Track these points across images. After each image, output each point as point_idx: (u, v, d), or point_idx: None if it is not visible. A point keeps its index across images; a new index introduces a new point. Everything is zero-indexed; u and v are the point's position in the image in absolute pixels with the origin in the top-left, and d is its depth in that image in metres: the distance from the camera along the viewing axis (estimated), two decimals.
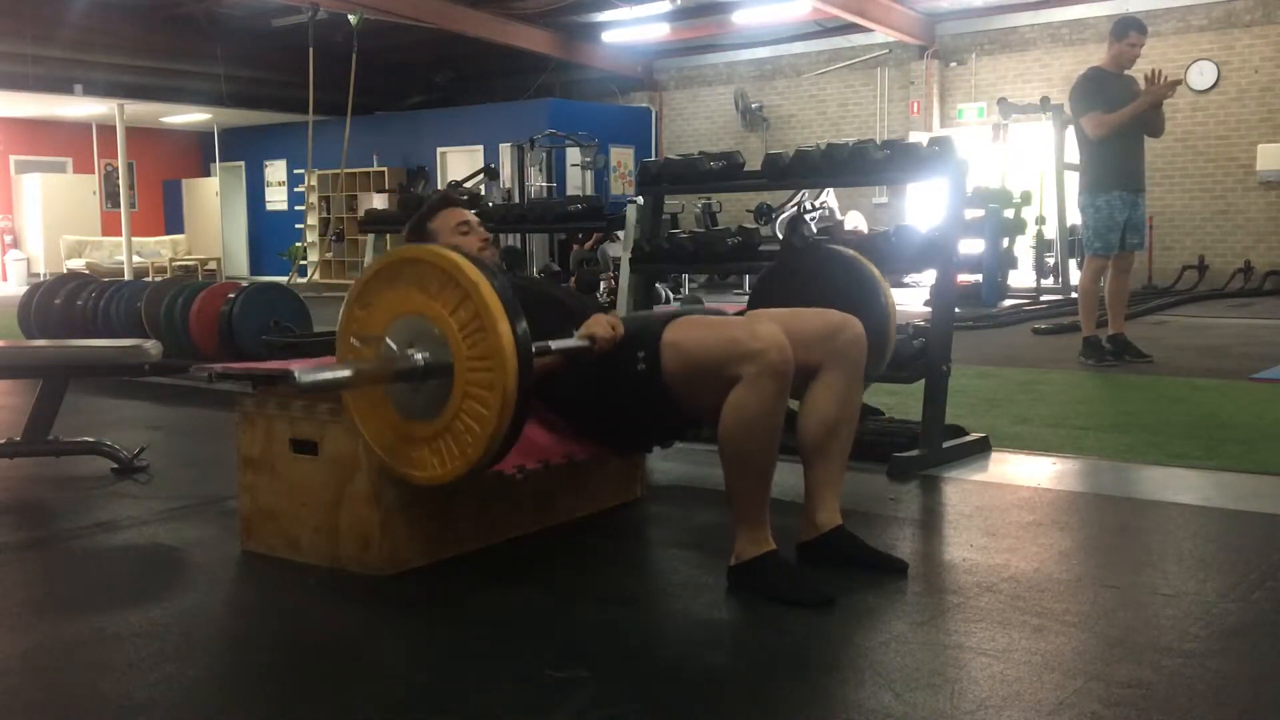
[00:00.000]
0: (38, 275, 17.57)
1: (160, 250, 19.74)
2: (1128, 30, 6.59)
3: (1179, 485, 3.54)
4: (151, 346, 3.78)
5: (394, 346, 2.27)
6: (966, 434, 3.98)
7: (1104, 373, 6.20)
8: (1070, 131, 13.73)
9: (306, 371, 2.19)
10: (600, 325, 2.53)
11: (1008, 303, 10.70)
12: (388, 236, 6.31)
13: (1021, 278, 12.84)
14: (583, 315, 2.65)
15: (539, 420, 2.71)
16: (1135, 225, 6.52)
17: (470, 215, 3.00)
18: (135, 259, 17.92)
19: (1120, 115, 6.34)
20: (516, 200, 13.45)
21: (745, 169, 4.57)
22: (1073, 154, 13.69)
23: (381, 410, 2.31)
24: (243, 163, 21.56)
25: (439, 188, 16.12)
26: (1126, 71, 6.61)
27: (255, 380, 2.85)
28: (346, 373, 2.24)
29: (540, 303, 2.69)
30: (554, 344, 2.48)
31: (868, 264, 3.18)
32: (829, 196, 14.03)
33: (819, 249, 3.71)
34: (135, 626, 2.31)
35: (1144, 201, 6.60)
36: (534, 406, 2.70)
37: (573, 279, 11.24)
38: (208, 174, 21.85)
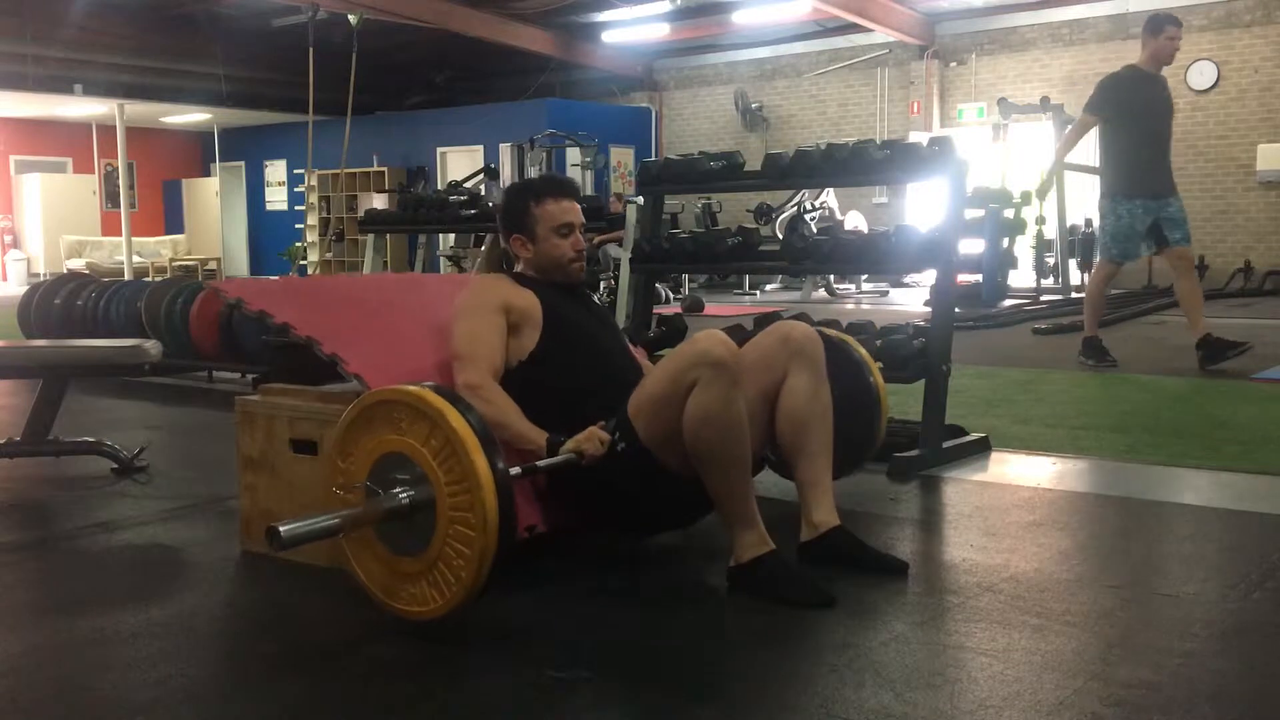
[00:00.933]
0: (38, 275, 17.58)
1: (160, 250, 19.75)
2: (1164, 25, 6.48)
3: (1179, 485, 3.54)
4: (151, 346, 3.77)
5: (377, 489, 2.26)
6: (966, 434, 3.98)
7: (1103, 373, 6.18)
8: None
9: (292, 524, 2.17)
10: (589, 442, 2.50)
11: (1008, 303, 10.70)
12: (388, 236, 6.31)
13: (1021, 278, 12.83)
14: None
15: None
16: (1174, 221, 6.33)
17: (579, 215, 2.89)
18: (135, 259, 17.92)
19: (1057, 156, 6.99)
20: None
21: (745, 169, 4.57)
22: (1073, 154, 13.69)
23: (373, 550, 2.31)
24: (243, 163, 21.56)
25: (439, 188, 16.12)
26: (1164, 70, 6.48)
27: (255, 381, 2.84)
28: (333, 521, 2.23)
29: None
30: (541, 463, 2.49)
31: (855, 345, 3.18)
32: (829, 196, 14.03)
33: None
34: (135, 626, 2.31)
35: (1177, 198, 6.40)
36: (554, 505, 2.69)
37: None
38: (208, 174, 21.85)
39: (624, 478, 2.52)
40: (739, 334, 3.14)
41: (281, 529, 2.12)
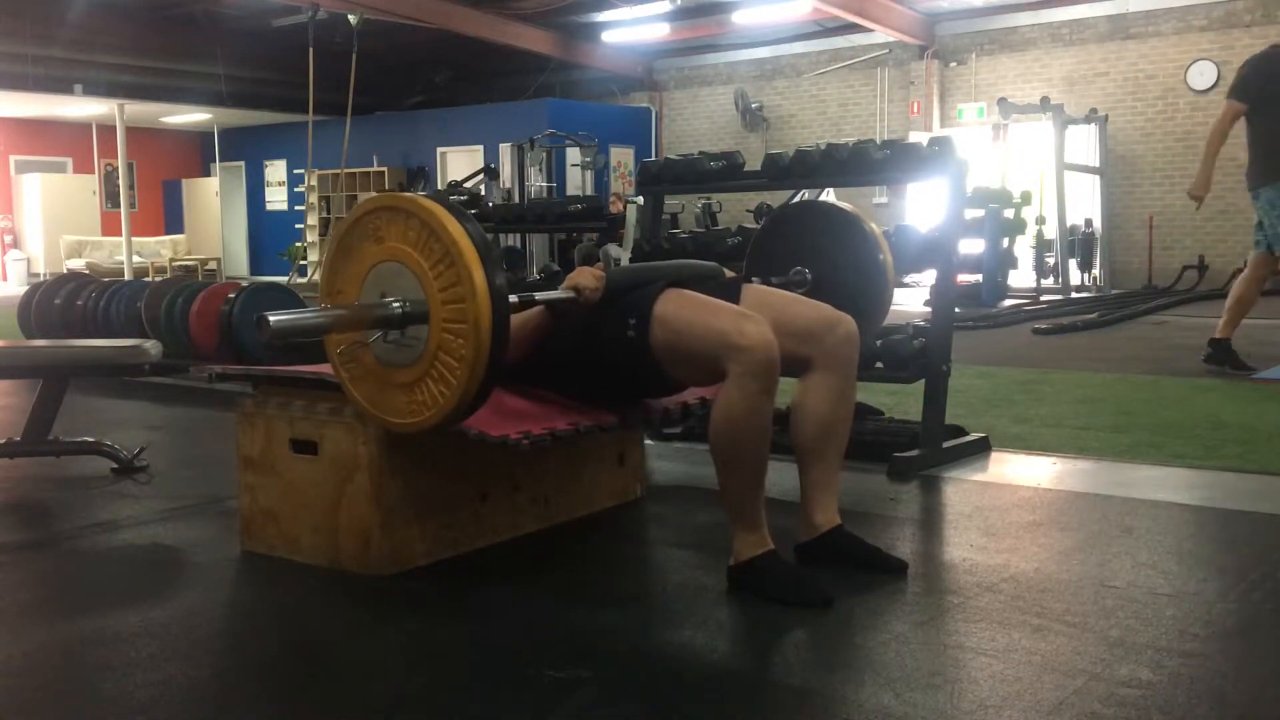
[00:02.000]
0: (38, 275, 17.59)
1: (160, 250, 19.75)
2: None
3: (1179, 485, 3.54)
4: (151, 346, 3.77)
5: (372, 293, 2.26)
6: (966, 434, 3.98)
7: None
8: (1069, 131, 13.81)
9: (282, 314, 2.17)
10: (585, 276, 2.53)
11: (1008, 303, 10.70)
12: None
13: (1021, 278, 12.84)
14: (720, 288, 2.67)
15: (538, 398, 2.71)
16: None
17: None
18: (135, 259, 17.93)
19: (1208, 150, 6.21)
20: (516, 200, 13.46)
21: (745, 169, 4.57)
22: (1073, 154, 13.61)
23: (364, 362, 2.30)
24: (243, 163, 21.58)
25: (439, 187, 16.13)
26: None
27: (255, 381, 2.84)
28: (323, 318, 2.23)
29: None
30: (539, 295, 2.49)
31: (867, 221, 3.19)
32: (829, 196, 14.04)
33: (817, 205, 3.70)
34: (135, 626, 2.31)
35: None
36: (529, 381, 2.71)
37: None
38: (208, 174, 21.86)
39: (621, 358, 2.55)
40: (798, 276, 3.13)
41: (271, 318, 2.13)
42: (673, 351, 2.50)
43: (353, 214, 2.36)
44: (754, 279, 2.97)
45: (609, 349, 2.56)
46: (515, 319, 2.43)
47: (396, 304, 2.22)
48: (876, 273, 3.12)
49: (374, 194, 2.40)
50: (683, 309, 2.51)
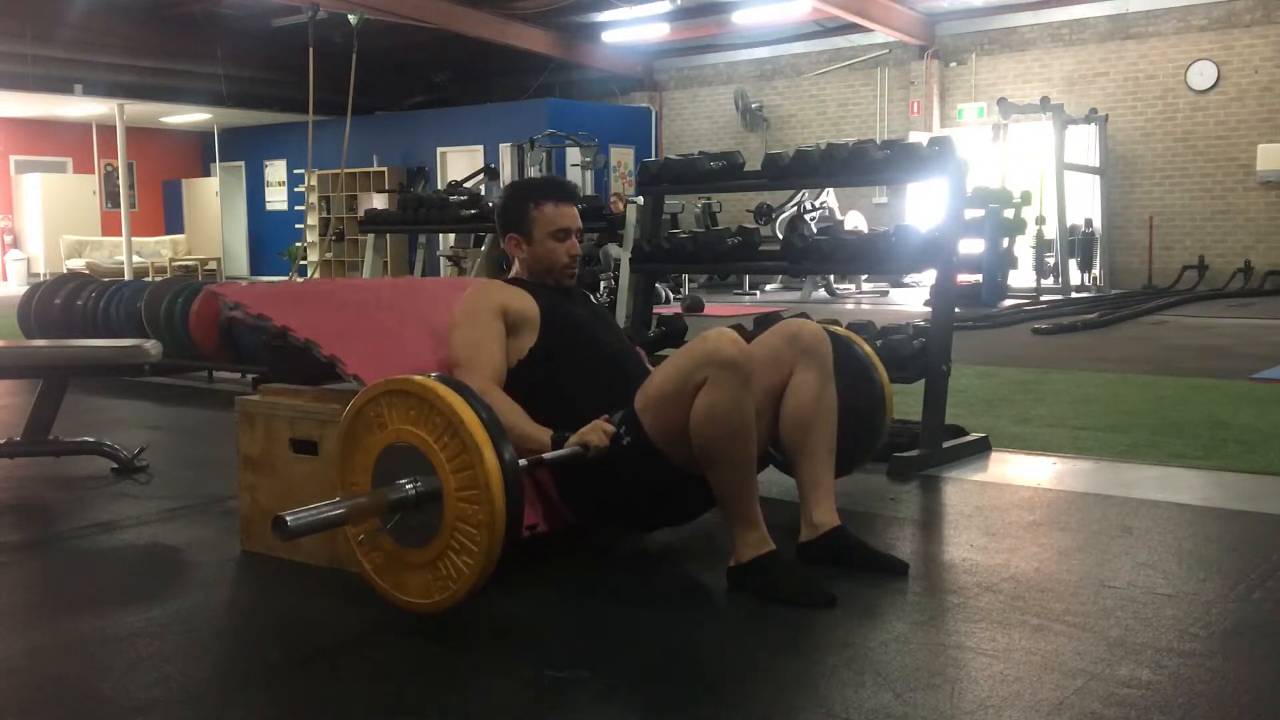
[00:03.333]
0: (38, 275, 17.59)
1: (160, 250, 19.75)
2: None
3: (1179, 485, 3.54)
4: (151, 346, 3.77)
5: (388, 472, 2.26)
6: (966, 434, 3.98)
7: (1107, 372, 6.14)
8: (1069, 131, 13.82)
9: (297, 513, 2.17)
10: (594, 434, 2.50)
11: (1008, 303, 10.71)
12: (388, 236, 6.31)
13: (1021, 278, 12.84)
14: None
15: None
16: None
17: (576, 221, 2.88)
18: (135, 259, 17.93)
19: None
20: None
21: (745, 169, 4.57)
22: (1073, 154, 13.61)
23: (378, 542, 2.30)
24: (243, 163, 21.57)
25: (439, 187, 16.13)
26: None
27: (255, 381, 2.84)
28: (339, 511, 2.22)
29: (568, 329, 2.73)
30: (547, 456, 2.49)
31: (861, 343, 3.18)
32: (829, 196, 14.04)
33: None
34: (135, 626, 2.31)
35: None
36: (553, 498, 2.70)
37: None
38: (208, 174, 21.86)
39: (628, 473, 2.52)
40: (741, 334, 3.14)
41: (288, 518, 2.12)
42: (663, 422, 2.47)
43: (354, 404, 2.35)
44: None
45: (617, 469, 2.52)
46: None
47: (409, 484, 2.23)
48: (875, 393, 3.11)
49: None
50: (653, 377, 2.55)
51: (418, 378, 2.24)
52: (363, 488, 2.30)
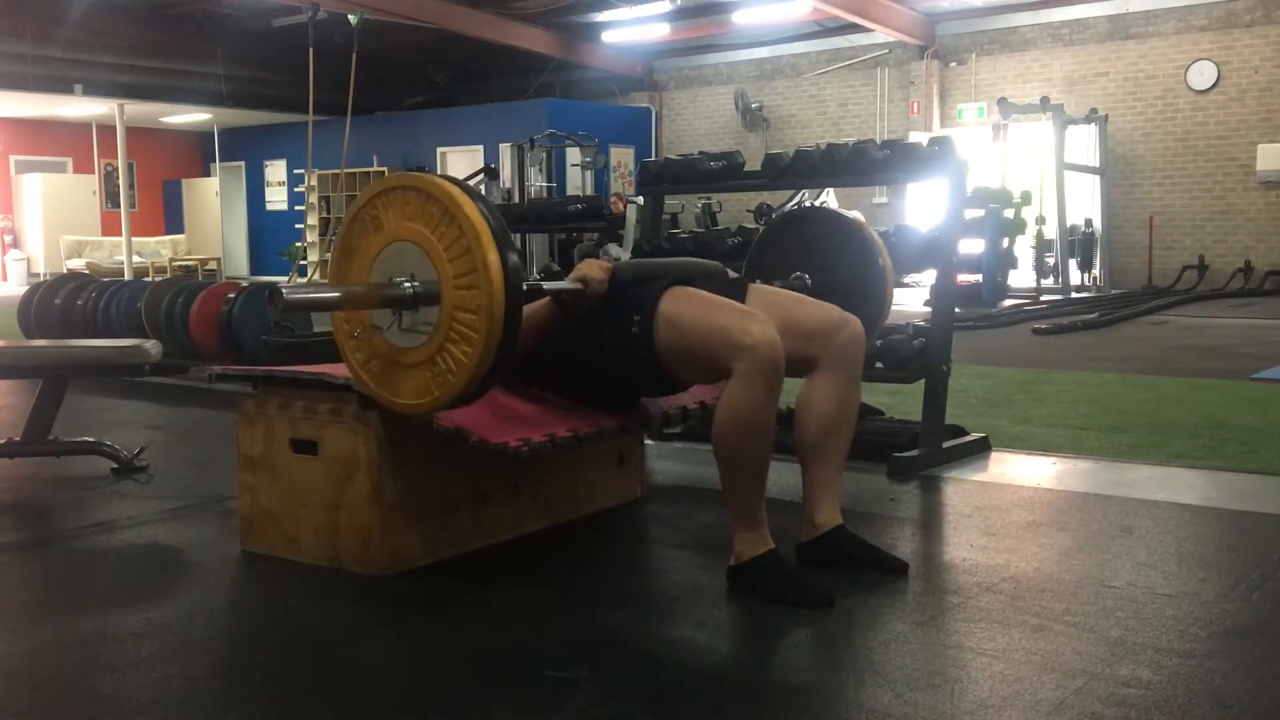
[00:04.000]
0: (38, 275, 17.58)
1: (160, 250, 19.75)
2: None
3: (1179, 485, 3.54)
4: (151, 346, 3.77)
5: (384, 272, 2.25)
6: (966, 434, 3.98)
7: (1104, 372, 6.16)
8: (1069, 131, 13.82)
9: (294, 289, 2.18)
10: (592, 268, 2.53)
11: (1008, 303, 10.71)
12: None
13: (1021, 278, 12.84)
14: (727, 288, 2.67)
15: (538, 400, 2.71)
16: None
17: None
18: (135, 259, 17.92)
19: None
20: (516, 200, 13.46)
21: (745, 169, 4.57)
22: (1073, 154, 13.60)
23: (373, 343, 2.30)
24: (243, 163, 21.57)
25: None
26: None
27: (255, 381, 2.84)
28: (334, 294, 2.22)
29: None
30: (546, 284, 2.49)
31: (865, 226, 3.20)
32: (829, 196, 14.04)
33: (817, 212, 3.71)
34: (135, 626, 2.31)
35: None
36: (529, 384, 2.71)
37: None
38: (208, 174, 21.86)
39: (623, 355, 2.54)
40: (798, 281, 3.14)
41: (285, 290, 2.13)
42: (676, 349, 2.49)
43: (350, 210, 2.36)
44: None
45: (612, 346, 2.55)
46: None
47: (408, 283, 2.22)
48: (876, 277, 3.12)
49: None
50: (688, 307, 2.50)
51: (428, 176, 2.24)
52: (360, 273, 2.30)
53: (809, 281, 3.13)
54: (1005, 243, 4.03)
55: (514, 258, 2.16)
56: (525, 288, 2.34)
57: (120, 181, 17.90)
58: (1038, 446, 4.10)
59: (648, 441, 3.75)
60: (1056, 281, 13.34)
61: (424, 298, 2.21)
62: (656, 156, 14.16)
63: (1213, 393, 5.43)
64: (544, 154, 15.27)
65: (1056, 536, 2.93)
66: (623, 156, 17.80)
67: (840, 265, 3.14)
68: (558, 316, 2.62)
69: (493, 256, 2.11)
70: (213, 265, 19.78)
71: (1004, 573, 2.58)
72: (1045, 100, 13.76)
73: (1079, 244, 13.81)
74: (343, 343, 2.38)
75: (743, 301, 2.62)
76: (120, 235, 17.92)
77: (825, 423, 2.64)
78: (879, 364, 3.77)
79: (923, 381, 3.77)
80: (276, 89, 18.56)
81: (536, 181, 15.24)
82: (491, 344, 2.11)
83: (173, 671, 2.08)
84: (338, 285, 2.25)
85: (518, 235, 12.29)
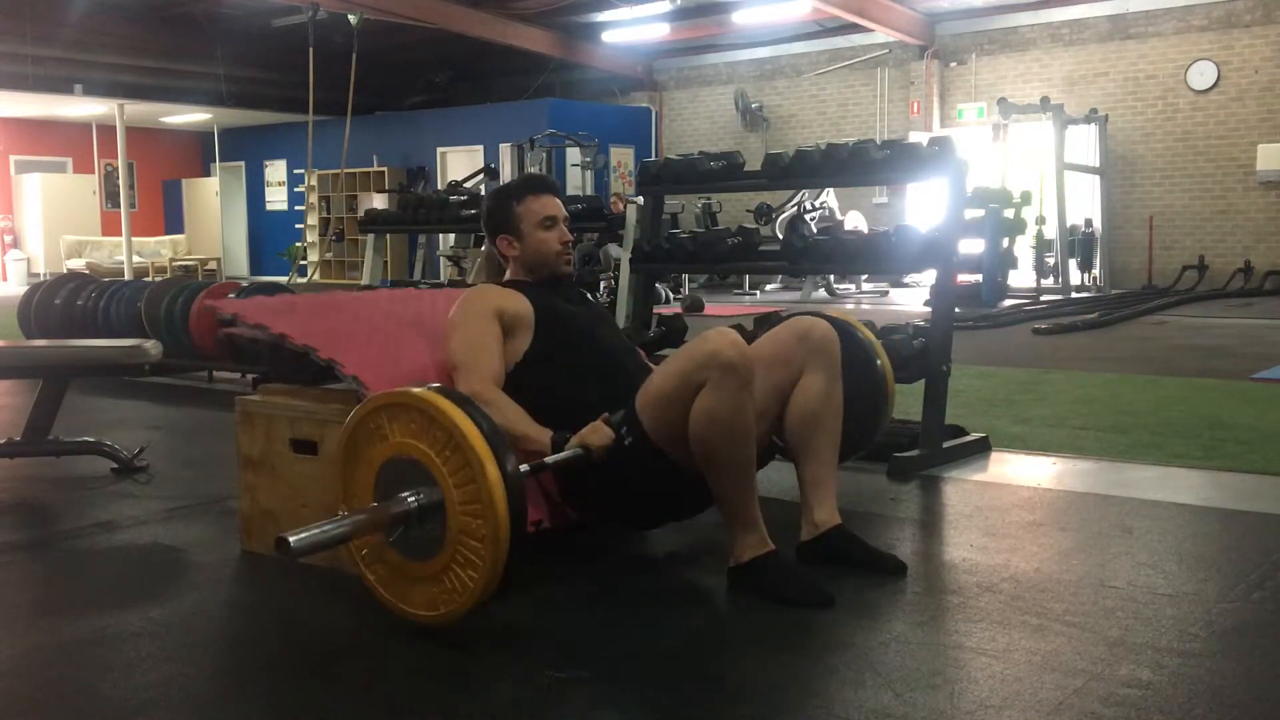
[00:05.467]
0: (38, 275, 17.58)
1: (160, 250, 19.75)
2: None
3: (1179, 485, 3.54)
4: (151, 346, 3.77)
5: (390, 485, 2.25)
6: (966, 434, 3.98)
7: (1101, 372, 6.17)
8: (1069, 131, 13.82)
9: (300, 533, 2.16)
10: (595, 435, 2.50)
11: (1008, 303, 10.70)
12: (388, 236, 6.31)
13: (1021, 278, 12.84)
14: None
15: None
16: None
17: (560, 209, 2.90)
18: (135, 259, 17.92)
19: None
20: None
21: (745, 169, 4.57)
22: (1073, 154, 13.60)
23: (383, 555, 2.29)
24: (243, 163, 21.57)
25: (439, 188, 16.13)
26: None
27: (255, 381, 2.84)
28: (342, 529, 2.21)
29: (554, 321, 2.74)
30: (549, 459, 2.48)
31: (861, 328, 3.18)
32: (829, 196, 14.04)
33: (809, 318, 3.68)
34: (135, 626, 2.31)
35: None
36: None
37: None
38: (208, 174, 21.85)
39: (631, 472, 2.51)
40: (741, 334, 3.14)
41: (291, 539, 2.11)
42: (665, 421, 2.46)
43: (354, 416, 2.34)
44: None
45: (617, 469, 2.52)
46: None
47: (411, 497, 2.22)
48: (874, 379, 3.10)
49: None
50: (654, 377, 2.54)
51: (417, 390, 2.23)
52: (365, 500, 2.29)
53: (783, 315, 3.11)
54: (1005, 243, 4.02)
55: (518, 484, 2.15)
56: (528, 467, 2.35)
57: (120, 181, 17.90)
58: (1038, 446, 4.10)
59: None
60: (1056, 281, 13.33)
61: (429, 513, 2.21)
62: (656, 156, 14.16)
63: (1213, 393, 5.43)
64: (544, 154, 15.26)
65: (1056, 536, 2.93)
66: (623, 156, 17.80)
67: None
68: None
69: (498, 488, 2.11)
70: (213, 265, 19.78)
71: (1004, 573, 2.58)
72: (1045, 100, 13.76)
73: (1079, 244, 13.80)
74: (359, 565, 2.37)
75: None
76: (120, 235, 17.92)
77: (809, 418, 2.65)
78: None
79: (923, 382, 3.77)
80: (276, 89, 18.56)
81: None
82: (497, 569, 2.14)
83: (173, 671, 2.08)
84: (344, 520, 2.22)
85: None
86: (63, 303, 6.67)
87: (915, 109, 16.28)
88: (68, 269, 16.65)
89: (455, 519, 2.15)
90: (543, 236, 2.85)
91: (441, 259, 13.01)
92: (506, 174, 15.20)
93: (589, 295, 3.12)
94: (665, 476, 2.53)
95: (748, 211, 13.53)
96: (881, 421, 3.16)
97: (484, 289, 2.85)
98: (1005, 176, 13.41)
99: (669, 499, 2.65)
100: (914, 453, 3.65)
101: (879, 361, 3.12)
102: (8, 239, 19.88)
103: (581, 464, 2.50)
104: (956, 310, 3.98)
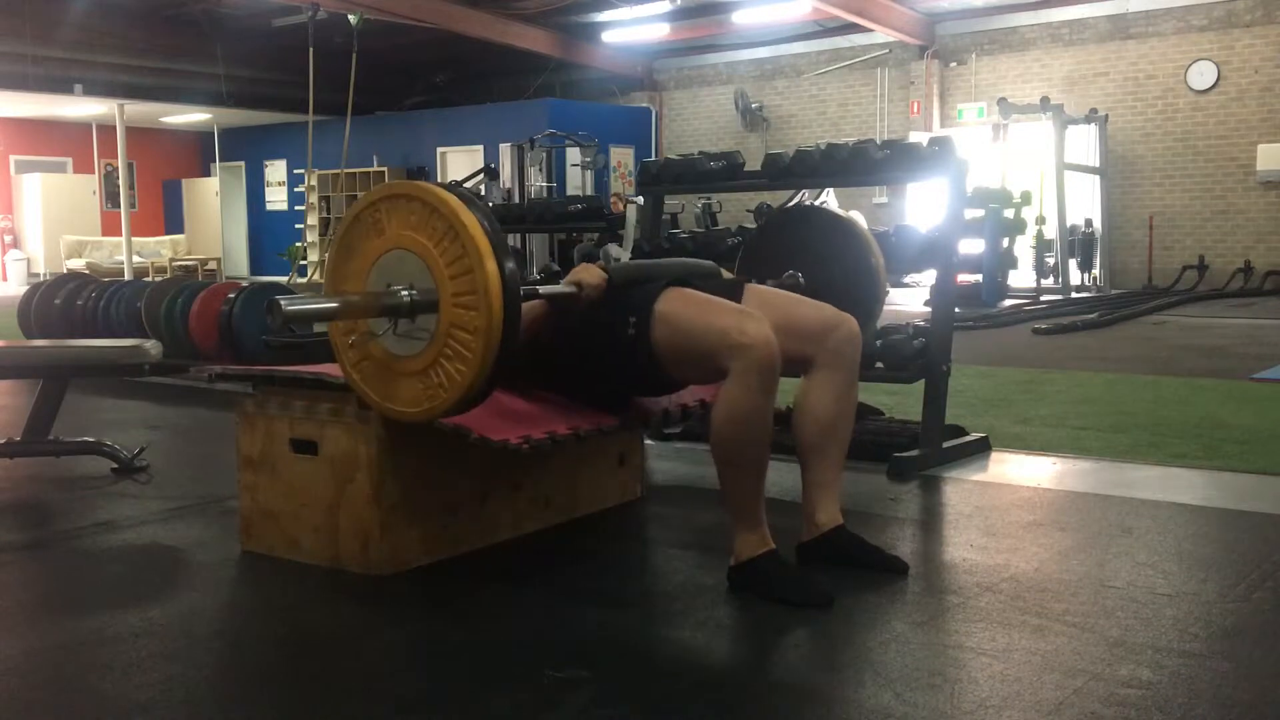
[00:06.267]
0: (38, 275, 17.58)
1: (160, 250, 19.75)
2: None
3: (1179, 485, 3.54)
4: (151, 346, 3.77)
5: (382, 277, 2.25)
6: (966, 434, 3.98)
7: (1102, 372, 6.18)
8: (1069, 131, 13.82)
9: (293, 300, 2.17)
10: (588, 273, 2.54)
11: (1008, 303, 10.70)
12: None
13: (1021, 278, 12.84)
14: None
15: (538, 399, 2.72)
16: None
17: None
18: (135, 259, 17.92)
19: None
20: (516, 200, 13.46)
21: (745, 169, 4.56)
22: (1073, 154, 13.60)
23: (370, 350, 2.30)
24: (243, 163, 21.57)
25: None
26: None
27: (255, 381, 2.84)
28: (333, 304, 2.22)
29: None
30: (541, 288, 2.51)
31: (858, 224, 3.21)
32: (829, 196, 14.03)
33: (808, 210, 3.74)
34: (135, 626, 2.31)
35: None
36: (526, 384, 2.71)
37: None
38: (208, 174, 21.86)
39: (619, 357, 2.55)
40: (790, 279, 3.15)
41: (283, 302, 2.12)
42: (673, 349, 2.50)
43: (352, 210, 2.36)
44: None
45: (608, 347, 2.56)
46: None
47: (405, 291, 2.22)
48: (868, 275, 3.13)
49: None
50: (684, 307, 2.51)
51: (419, 182, 2.23)
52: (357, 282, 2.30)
53: (802, 280, 3.13)
54: (1005, 243, 4.02)
55: (514, 275, 2.15)
56: (522, 291, 2.35)
57: (120, 181, 17.90)
58: (1038, 446, 4.10)
59: (648, 441, 3.75)
60: (1056, 281, 13.34)
61: (421, 307, 2.21)
62: (656, 156, 14.16)
63: (1213, 393, 5.43)
64: (544, 154, 15.26)
65: (1056, 536, 2.93)
66: (623, 156, 17.80)
67: (833, 263, 3.15)
68: (551, 315, 2.63)
69: (494, 279, 2.11)
70: (213, 265, 19.78)
71: (1004, 573, 2.58)
72: (1045, 100, 13.76)
73: (1079, 244, 13.81)
74: (337, 342, 2.39)
75: (739, 301, 2.62)
76: (120, 235, 17.92)
77: (823, 422, 2.64)
78: (879, 364, 3.77)
79: (923, 381, 3.77)
80: (276, 89, 18.56)
81: (536, 181, 15.24)
82: (486, 366, 2.12)
83: (173, 671, 2.08)
84: (336, 295, 2.24)
85: (517, 235, 12.30)
86: (63, 303, 6.67)
87: (915, 109, 16.28)
88: (68, 269, 16.66)
89: (448, 311, 2.14)
90: None
91: None
92: (506, 174, 15.21)
93: None
94: (645, 369, 2.56)
95: (748, 211, 13.49)
96: (874, 317, 3.21)
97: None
98: (1005, 176, 13.41)
99: (638, 386, 2.74)
100: (914, 453, 3.65)
101: (873, 259, 3.17)
102: (8, 239, 19.88)
103: (571, 302, 2.53)
104: (956, 310, 3.98)
